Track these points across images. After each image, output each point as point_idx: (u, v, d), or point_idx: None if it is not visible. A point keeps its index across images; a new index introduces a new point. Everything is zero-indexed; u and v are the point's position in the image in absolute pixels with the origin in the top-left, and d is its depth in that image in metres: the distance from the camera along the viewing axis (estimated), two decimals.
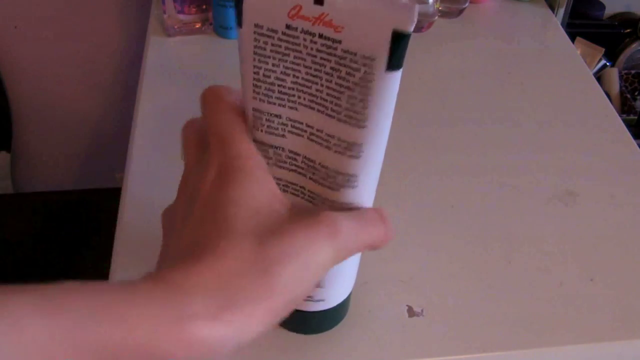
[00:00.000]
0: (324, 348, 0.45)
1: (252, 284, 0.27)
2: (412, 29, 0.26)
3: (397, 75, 0.30)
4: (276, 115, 0.32)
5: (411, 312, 0.48)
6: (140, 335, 0.25)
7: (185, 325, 0.26)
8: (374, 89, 0.29)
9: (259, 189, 0.30)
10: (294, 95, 0.31)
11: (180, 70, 0.74)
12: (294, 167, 0.33)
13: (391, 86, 0.30)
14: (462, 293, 0.49)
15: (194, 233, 0.30)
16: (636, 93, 1.06)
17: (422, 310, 0.48)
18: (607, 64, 1.06)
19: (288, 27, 0.29)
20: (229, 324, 0.27)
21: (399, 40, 0.26)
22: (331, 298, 0.42)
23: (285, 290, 0.28)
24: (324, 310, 0.43)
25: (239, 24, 0.30)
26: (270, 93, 0.31)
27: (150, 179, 0.58)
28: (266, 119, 0.32)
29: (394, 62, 0.28)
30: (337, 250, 0.29)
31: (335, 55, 0.29)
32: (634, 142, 0.65)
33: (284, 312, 0.28)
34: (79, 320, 0.24)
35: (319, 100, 0.30)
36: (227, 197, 0.29)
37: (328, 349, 0.45)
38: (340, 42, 0.28)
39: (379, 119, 0.30)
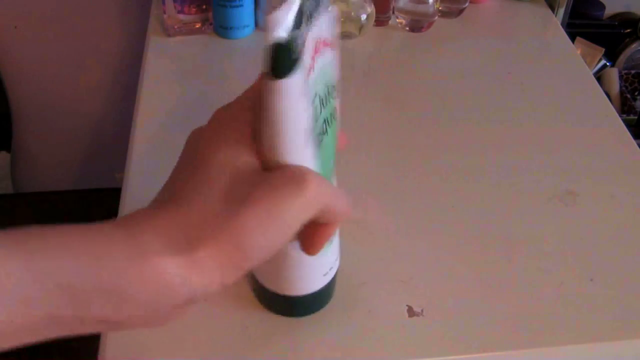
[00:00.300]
0: (324, 348, 0.45)
1: (213, 228, 0.28)
2: (285, 40, 0.26)
3: (283, 85, 0.28)
4: None
5: (411, 312, 0.48)
6: (100, 271, 0.26)
7: (144, 260, 0.27)
8: (265, 100, 0.29)
9: (248, 157, 0.30)
10: None
11: (180, 70, 0.74)
12: None
13: (278, 97, 0.28)
14: (462, 293, 0.49)
15: (177, 182, 0.30)
16: (636, 93, 1.06)
17: (422, 310, 0.48)
18: (607, 64, 1.06)
19: None
20: (189, 262, 0.27)
21: (273, 49, 0.26)
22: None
23: (246, 235, 0.28)
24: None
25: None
26: None
27: (150, 179, 0.58)
28: None
29: (274, 70, 0.27)
30: (305, 203, 0.29)
31: None
32: (634, 142, 0.65)
33: (249, 262, 0.28)
34: (44, 261, 0.25)
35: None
36: (216, 159, 0.30)
37: (328, 349, 0.45)
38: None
39: (280, 136, 0.30)
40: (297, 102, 0.29)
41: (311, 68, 0.30)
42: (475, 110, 0.69)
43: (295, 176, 0.29)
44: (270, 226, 0.28)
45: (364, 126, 0.66)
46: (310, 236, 0.33)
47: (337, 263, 0.45)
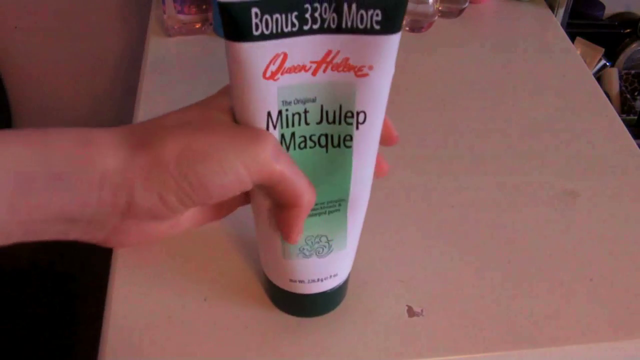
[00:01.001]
0: (324, 348, 0.45)
1: (161, 137, 0.29)
2: (230, 3, 0.27)
3: (236, 46, 0.28)
4: None
5: (411, 312, 0.48)
6: (50, 155, 0.28)
7: (90, 148, 0.28)
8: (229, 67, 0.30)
9: (222, 114, 0.32)
10: None
11: (180, 70, 0.74)
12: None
13: (229, 59, 0.29)
14: (462, 293, 0.49)
15: (150, 128, 0.31)
16: (636, 93, 1.06)
17: (422, 310, 0.48)
18: (607, 64, 1.06)
19: None
20: (129, 156, 0.29)
21: (221, 10, 0.27)
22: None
23: (187, 154, 0.29)
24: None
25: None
26: None
27: None
28: None
29: (226, 30, 0.28)
30: (254, 159, 0.29)
31: None
32: (634, 142, 0.65)
33: (185, 184, 0.29)
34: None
35: None
36: (189, 107, 0.32)
37: (328, 349, 0.45)
38: None
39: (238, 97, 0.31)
40: (246, 71, 0.29)
41: (298, 67, 0.29)
42: (475, 110, 0.69)
43: (255, 132, 0.30)
44: (212, 160, 0.29)
45: None
46: (281, 221, 0.34)
47: (339, 278, 0.43)
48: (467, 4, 0.84)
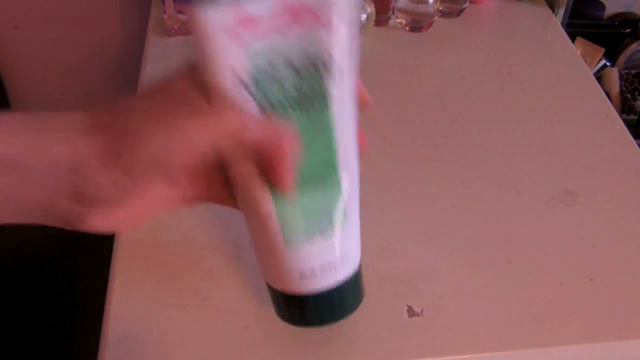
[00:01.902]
0: (323, 348, 0.45)
1: (116, 111, 0.30)
2: None
3: (196, 14, 0.29)
4: None
5: (411, 312, 0.48)
6: (3, 143, 0.28)
7: (47, 134, 0.28)
8: None
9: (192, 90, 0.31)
10: None
11: None
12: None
13: (194, 27, 0.30)
14: (462, 293, 0.49)
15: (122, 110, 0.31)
16: (636, 93, 1.06)
17: (422, 310, 0.48)
18: (607, 64, 1.06)
19: None
20: (83, 142, 0.29)
21: None
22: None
23: (142, 127, 0.29)
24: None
25: None
26: None
27: None
28: None
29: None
30: (205, 124, 0.29)
31: None
32: (634, 142, 0.65)
33: (137, 157, 0.29)
34: None
35: None
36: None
37: (327, 349, 0.45)
38: None
39: None
40: (214, 40, 0.29)
41: (266, 30, 0.30)
42: (475, 110, 0.69)
43: (210, 101, 0.30)
44: (165, 129, 0.28)
45: (363, 126, 0.66)
46: (271, 173, 0.33)
47: (350, 264, 0.38)
48: (467, 4, 0.84)
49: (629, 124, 0.70)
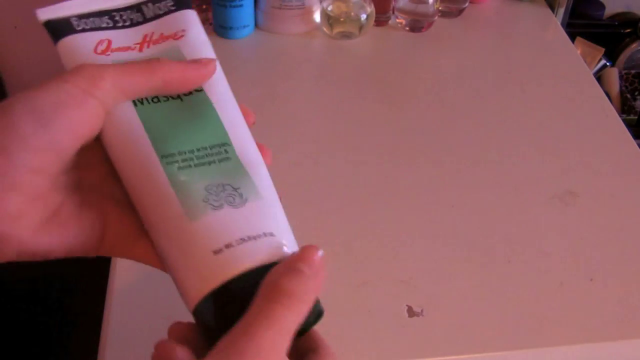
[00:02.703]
0: None
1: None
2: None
3: (65, 40, 0.35)
4: None
5: (411, 312, 0.48)
6: None
7: None
8: None
9: None
10: None
11: None
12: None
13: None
14: (462, 293, 0.49)
15: None
16: (636, 93, 1.06)
17: (422, 310, 0.48)
18: (607, 64, 1.06)
19: None
20: None
21: (45, 25, 0.35)
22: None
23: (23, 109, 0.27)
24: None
25: None
26: None
27: None
28: None
29: (53, 37, 0.35)
30: (81, 88, 0.28)
31: None
32: (634, 142, 0.65)
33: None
34: None
35: None
36: None
37: None
38: None
39: None
40: (78, 53, 0.33)
41: (124, 47, 0.34)
42: (475, 110, 0.69)
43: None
44: (44, 114, 0.27)
45: (364, 126, 0.66)
46: (184, 76, 0.32)
47: (278, 245, 0.30)
48: (467, 4, 0.84)
49: (629, 124, 0.70)
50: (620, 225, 0.56)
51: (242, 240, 0.29)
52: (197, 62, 0.33)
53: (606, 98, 0.72)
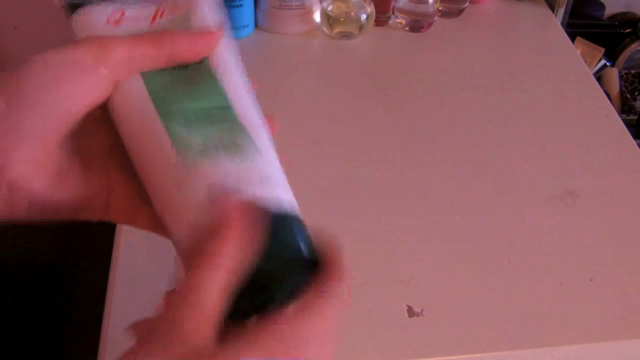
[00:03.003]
0: None
1: None
2: None
3: (82, 10, 0.34)
4: None
5: (411, 312, 0.48)
6: None
7: None
8: None
9: None
10: None
11: None
12: None
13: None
14: (462, 293, 0.49)
15: None
16: (636, 93, 1.06)
17: (422, 310, 0.48)
18: (607, 64, 1.06)
19: None
20: None
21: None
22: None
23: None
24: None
25: None
26: None
27: None
28: None
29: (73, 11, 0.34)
30: (88, 63, 0.29)
31: None
32: (634, 142, 0.65)
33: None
34: None
35: None
36: None
37: None
38: None
39: None
40: (92, 23, 0.33)
41: (135, 20, 0.34)
42: (475, 110, 0.69)
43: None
44: (50, 93, 0.28)
45: (364, 126, 0.66)
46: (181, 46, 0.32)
47: (272, 191, 0.30)
48: (467, 4, 0.84)
49: (629, 124, 0.70)
50: (620, 225, 0.56)
51: (237, 183, 0.29)
52: (203, 32, 0.33)
53: (606, 98, 0.72)
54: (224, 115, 0.33)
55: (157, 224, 0.31)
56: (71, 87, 0.28)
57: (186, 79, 0.33)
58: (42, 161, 0.28)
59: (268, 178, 0.31)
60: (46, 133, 0.28)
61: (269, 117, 0.34)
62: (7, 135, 0.27)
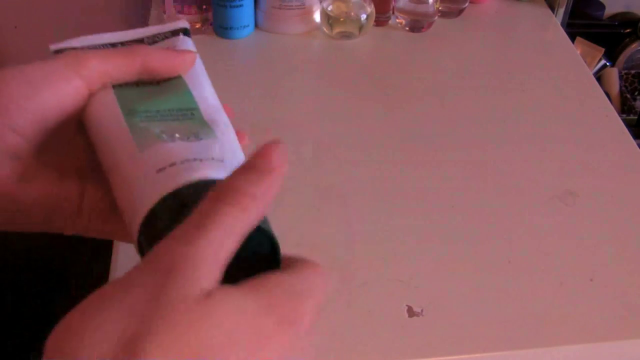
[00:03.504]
0: (322, 347, 0.45)
1: None
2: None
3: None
4: None
5: (411, 312, 0.48)
6: None
7: None
8: None
9: None
10: None
11: None
12: None
13: None
14: (462, 293, 0.49)
15: None
16: (636, 93, 1.06)
17: (422, 310, 0.48)
18: (607, 64, 1.06)
19: None
20: None
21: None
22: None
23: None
24: None
25: None
26: None
27: None
28: None
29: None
30: (72, 75, 0.30)
31: None
32: (634, 142, 0.65)
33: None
34: None
35: None
36: None
37: (327, 349, 0.45)
38: None
39: None
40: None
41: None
42: (475, 110, 0.69)
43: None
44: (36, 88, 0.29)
45: (364, 126, 0.66)
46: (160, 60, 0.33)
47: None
48: (467, 4, 0.84)
49: (629, 124, 0.70)
50: (620, 225, 0.56)
51: (187, 160, 0.28)
52: (176, 51, 0.35)
53: (606, 98, 0.72)
54: (189, 116, 0.32)
55: (127, 234, 0.30)
56: (50, 91, 0.29)
57: (156, 90, 0.34)
58: (13, 162, 0.29)
59: (224, 162, 0.29)
60: (21, 133, 0.29)
61: (240, 132, 0.34)
62: None
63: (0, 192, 0.29)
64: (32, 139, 0.29)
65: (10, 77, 0.29)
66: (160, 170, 0.27)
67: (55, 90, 0.29)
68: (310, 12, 0.79)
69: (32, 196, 0.30)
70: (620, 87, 1.04)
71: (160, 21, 0.80)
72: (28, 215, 0.30)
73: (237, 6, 0.76)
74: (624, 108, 1.03)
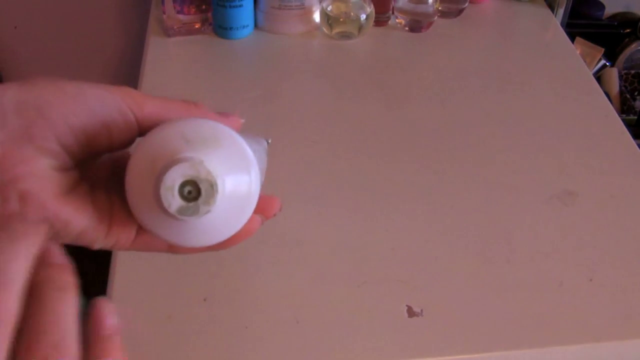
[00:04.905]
0: (323, 347, 0.45)
1: None
2: None
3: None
4: None
5: (411, 312, 0.48)
6: None
7: None
8: None
9: None
10: None
11: (180, 70, 0.74)
12: None
13: None
14: (462, 293, 0.49)
15: None
16: (636, 93, 1.06)
17: (422, 310, 0.48)
18: (607, 64, 1.06)
19: None
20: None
21: None
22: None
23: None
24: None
25: None
26: None
27: None
28: None
29: None
30: (128, 95, 0.29)
31: None
32: (633, 142, 0.65)
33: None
34: None
35: None
36: None
37: (328, 349, 0.45)
38: None
39: None
40: None
41: None
42: (475, 110, 0.69)
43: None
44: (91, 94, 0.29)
45: (364, 126, 0.66)
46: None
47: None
48: (466, 4, 0.84)
49: (628, 124, 0.70)
50: (620, 225, 0.56)
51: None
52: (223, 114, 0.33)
53: (606, 98, 0.72)
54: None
55: (153, 241, 0.32)
56: (97, 120, 0.29)
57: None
58: (57, 175, 0.29)
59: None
60: (59, 150, 0.29)
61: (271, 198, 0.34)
62: (21, 146, 0.27)
63: (39, 214, 0.28)
64: (76, 155, 0.30)
65: (57, 81, 0.29)
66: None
67: (112, 113, 0.29)
68: (309, 12, 0.79)
69: (70, 211, 0.29)
70: (620, 87, 1.04)
71: (160, 21, 0.80)
72: (66, 226, 0.30)
73: (236, 6, 0.76)
74: (624, 108, 1.03)
